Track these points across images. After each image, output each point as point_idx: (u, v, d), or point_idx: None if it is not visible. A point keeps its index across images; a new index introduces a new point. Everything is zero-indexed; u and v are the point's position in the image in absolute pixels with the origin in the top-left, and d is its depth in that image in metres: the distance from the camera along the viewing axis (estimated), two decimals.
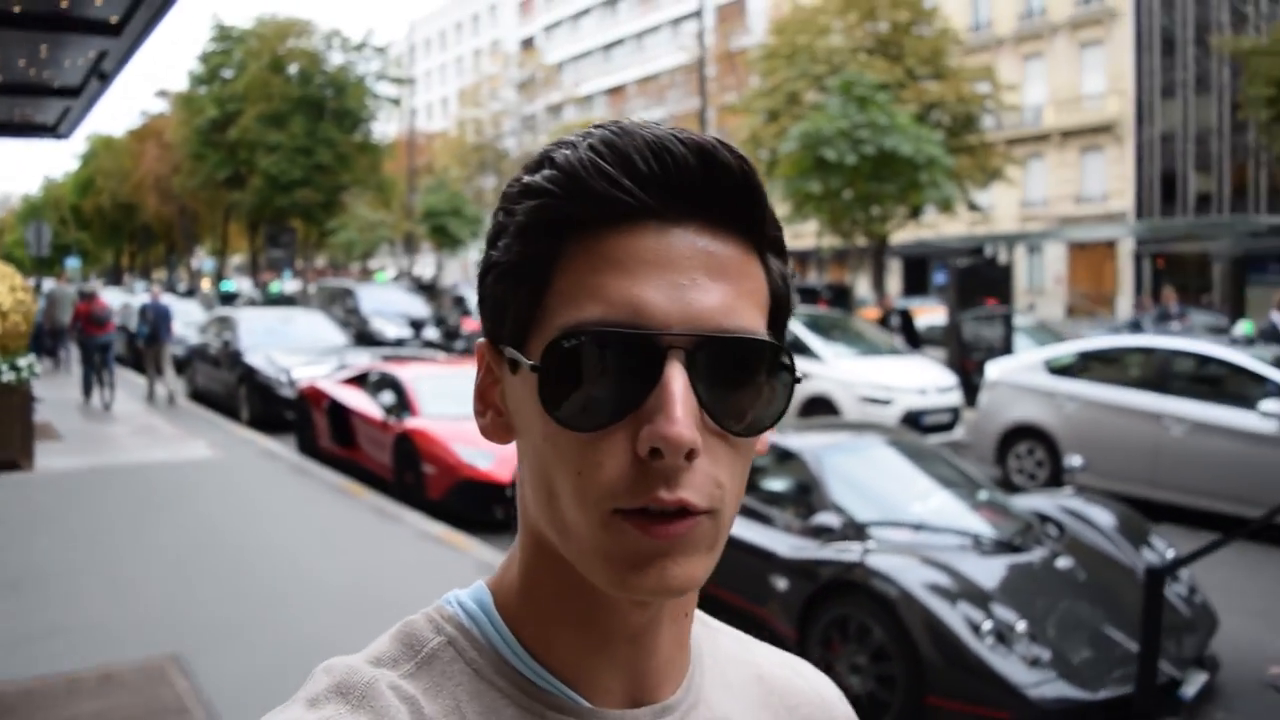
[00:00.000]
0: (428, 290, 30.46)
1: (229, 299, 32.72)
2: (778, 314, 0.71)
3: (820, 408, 11.95)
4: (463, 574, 6.88)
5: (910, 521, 5.39)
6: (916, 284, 41.60)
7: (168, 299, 20.15)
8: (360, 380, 11.20)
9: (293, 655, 5.32)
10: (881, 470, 6.09)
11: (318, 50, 41.71)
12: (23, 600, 6.19)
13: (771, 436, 0.74)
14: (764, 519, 5.63)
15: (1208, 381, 8.94)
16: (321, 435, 11.30)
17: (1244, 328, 11.85)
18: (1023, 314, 17.98)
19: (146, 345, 15.81)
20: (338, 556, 7.34)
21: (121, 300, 24.92)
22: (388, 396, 10.01)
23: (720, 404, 0.64)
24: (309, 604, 6.23)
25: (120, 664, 5.18)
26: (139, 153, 53.92)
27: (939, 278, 42.76)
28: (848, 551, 4.97)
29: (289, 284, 39.13)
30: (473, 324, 22.37)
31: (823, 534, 5.16)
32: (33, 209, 71.19)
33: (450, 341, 21.40)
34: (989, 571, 4.92)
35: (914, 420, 11.54)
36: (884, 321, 16.11)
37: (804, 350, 12.35)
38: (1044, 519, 5.84)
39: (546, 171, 0.66)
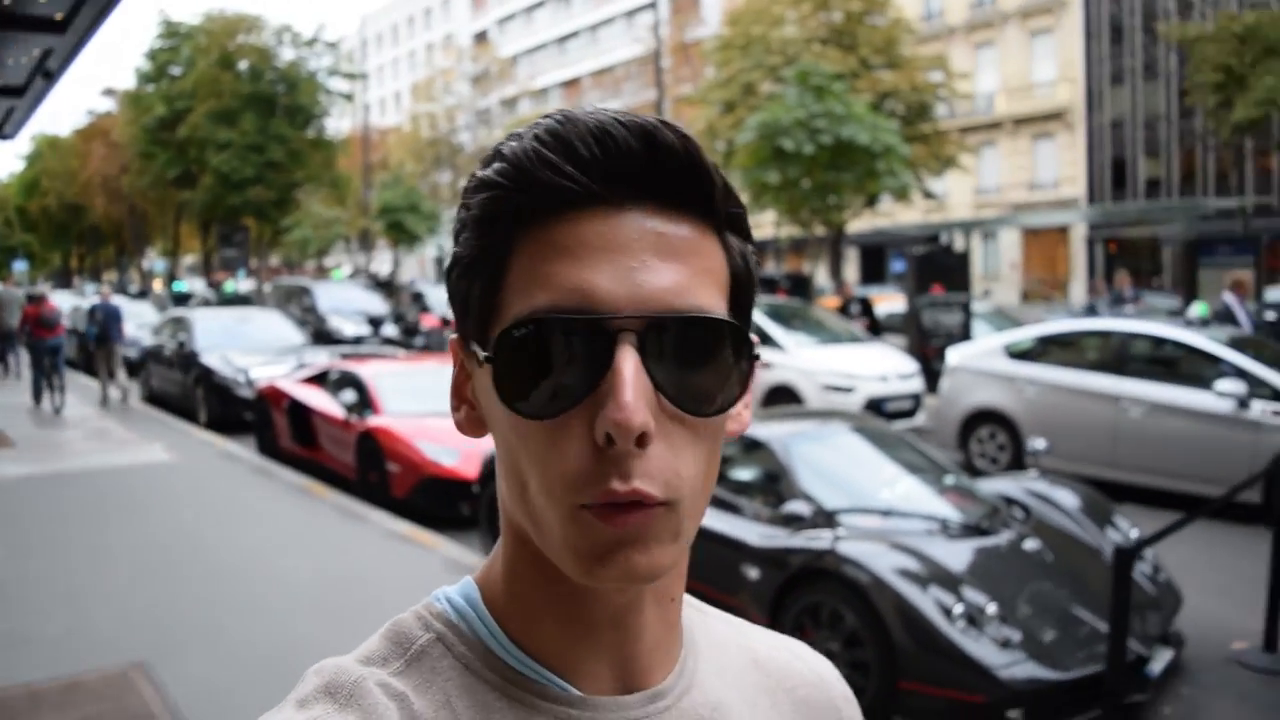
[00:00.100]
0: (385, 287, 30.22)
1: (182, 300, 32.21)
2: (739, 293, 0.71)
3: (783, 397, 11.99)
4: (431, 572, 6.84)
5: (879, 508, 5.41)
6: (873, 272, 41.93)
7: (119, 300, 19.87)
8: (320, 379, 11.08)
9: (261, 660, 5.25)
10: (848, 457, 6.11)
11: (268, 46, 41.09)
12: None
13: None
14: (733, 508, 5.63)
15: (1165, 363, 9.08)
16: (282, 435, 11.17)
17: (1199, 309, 12.04)
18: (979, 300, 18.15)
19: (96, 346, 15.58)
20: (304, 558, 7.25)
21: (72, 303, 24.50)
22: (349, 395, 9.90)
23: (677, 386, 0.64)
24: (276, 608, 6.15)
25: (84, 673, 5.08)
26: (86, 152, 52.96)
27: (896, 266, 43.08)
28: (818, 539, 4.98)
29: (243, 284, 38.61)
30: (432, 320, 22.21)
31: (793, 522, 5.17)
32: None
33: (409, 338, 21.23)
34: (958, 555, 4.96)
35: (876, 407, 11.61)
36: (844, 310, 16.19)
37: (765, 339, 12.38)
38: (1010, 502, 5.89)
39: (496, 164, 0.67)
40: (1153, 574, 5.40)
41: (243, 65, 40.65)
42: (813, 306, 16.32)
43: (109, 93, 55.23)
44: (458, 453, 8.55)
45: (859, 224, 31.44)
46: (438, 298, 25.18)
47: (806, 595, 4.91)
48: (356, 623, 5.87)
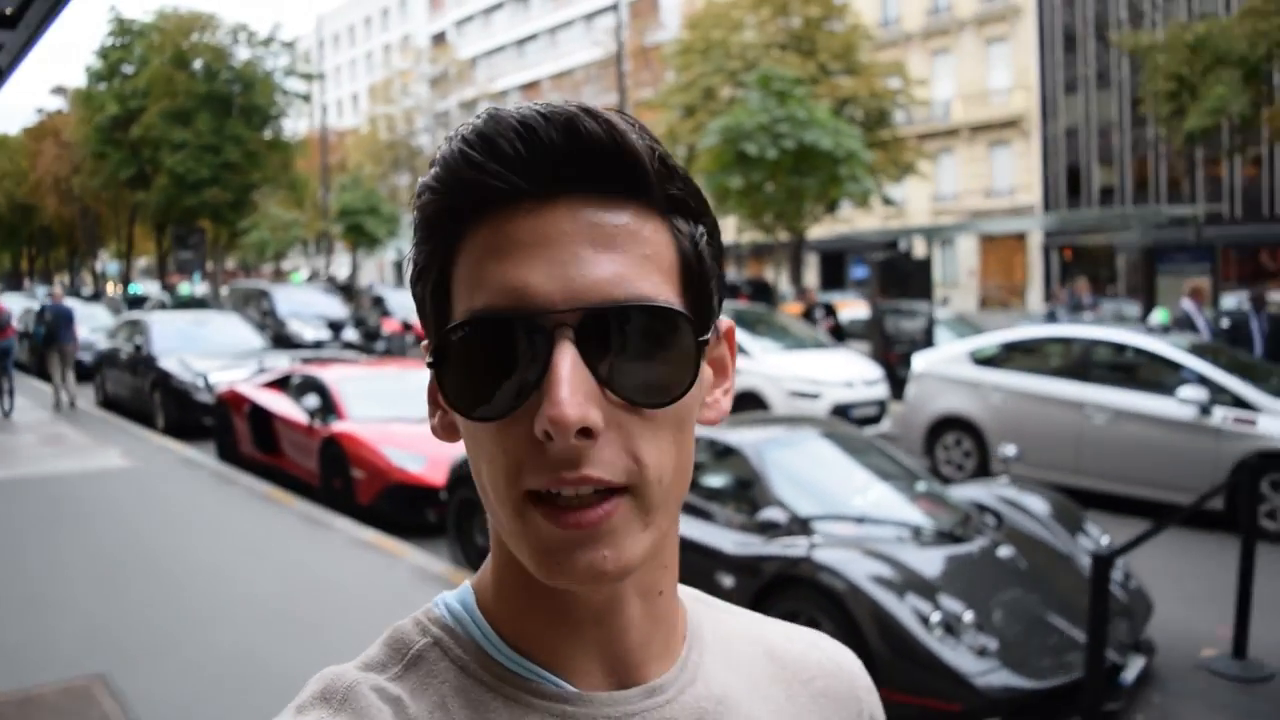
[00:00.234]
0: (344, 291, 29.93)
1: (137, 302, 31.68)
2: (691, 277, 0.69)
3: (748, 403, 11.99)
4: (397, 580, 6.75)
5: (853, 515, 5.40)
6: (833, 278, 42.22)
7: (71, 302, 19.49)
8: (282, 384, 10.92)
9: (225, 672, 5.15)
10: (820, 463, 6.10)
11: (223, 45, 40.53)
12: None
13: (707, 431, 0.73)
14: (705, 515, 5.60)
15: (1128, 370, 9.17)
16: (243, 441, 10.99)
17: (1160, 316, 12.20)
18: (938, 307, 18.30)
19: (45, 348, 15.30)
20: (267, 567, 7.12)
21: (23, 305, 24.03)
22: (312, 400, 9.75)
23: (622, 377, 0.63)
24: (239, 618, 6.02)
25: (42, 686, 4.96)
26: (36, 152, 51.89)
27: (856, 272, 43.43)
28: (794, 546, 4.96)
29: (198, 287, 38.07)
30: (393, 325, 22.03)
31: (768, 529, 5.15)
32: None
33: (370, 343, 21.05)
34: (933, 563, 4.96)
35: (842, 413, 11.63)
36: (808, 315, 16.25)
37: None
38: (981, 509, 5.91)
39: (432, 169, 0.67)
40: (1124, 581, 5.44)
41: (197, 64, 40.05)
42: (777, 312, 16.36)
43: (59, 91, 54.16)
44: (424, 459, 8.45)
45: (819, 230, 31.64)
46: (398, 302, 24.98)
47: (782, 603, 4.88)
48: (321, 633, 5.78)
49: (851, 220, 34.73)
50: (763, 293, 24.01)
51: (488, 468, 0.65)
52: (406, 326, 21.10)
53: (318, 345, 19.72)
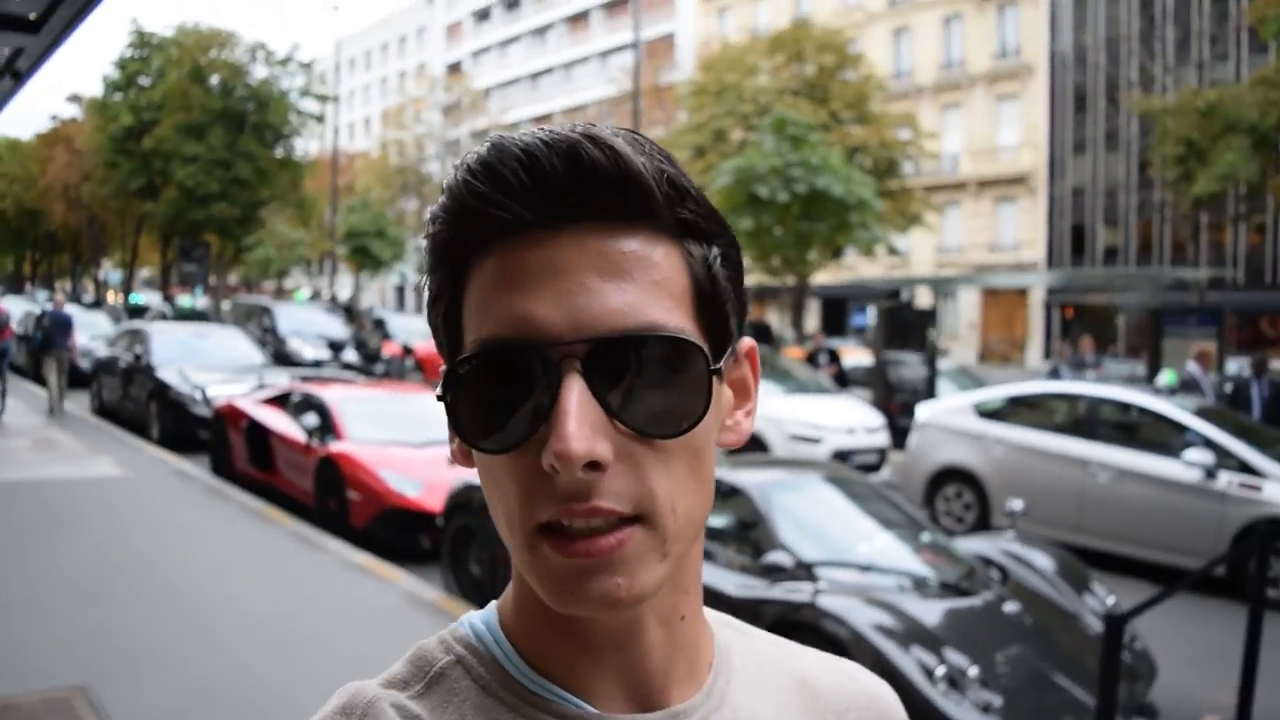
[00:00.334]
0: (345, 312, 29.91)
1: (138, 312, 31.63)
2: (704, 301, 0.67)
3: (749, 445, 11.91)
4: (389, 605, 6.65)
5: (858, 562, 5.33)
6: (834, 325, 42.20)
7: (71, 309, 19.46)
8: (281, 401, 10.84)
9: (211, 689, 5.05)
10: (825, 508, 6.03)
11: (241, 62, 40.79)
12: None
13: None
14: (706, 555, 5.51)
15: (1133, 430, 9.13)
16: (238, 456, 10.89)
17: (1167, 378, 12.18)
18: (940, 358, 18.29)
19: (42, 353, 15.37)
20: (257, 585, 7.02)
21: (24, 309, 24.00)
22: (311, 419, 9.68)
23: (631, 408, 0.62)
24: (227, 635, 5.92)
25: (23, 696, 4.86)
26: (47, 158, 52.04)
27: (857, 319, 43.50)
28: (797, 591, 4.89)
29: (199, 300, 38.04)
30: (393, 348, 21.98)
31: (773, 573, 5.07)
32: None
33: (370, 365, 20.98)
34: (938, 615, 4.88)
35: (842, 459, 11.56)
36: (811, 359, 16.21)
37: None
38: (986, 562, 5.83)
39: (440, 199, 0.67)
40: (1129, 643, 5.36)
41: (214, 80, 40.29)
42: (780, 355, 16.33)
43: (74, 99, 54.41)
44: (421, 484, 8.36)
45: (822, 276, 31.71)
46: (400, 325, 24.94)
47: None
48: (311, 654, 5.68)
49: (855, 268, 34.81)
50: (763, 336, 23.97)
51: (500, 499, 0.65)
52: (407, 350, 21.05)
53: (317, 364, 19.64)
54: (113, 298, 53.87)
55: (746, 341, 0.73)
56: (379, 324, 24.92)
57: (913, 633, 4.57)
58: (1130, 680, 5.09)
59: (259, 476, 10.48)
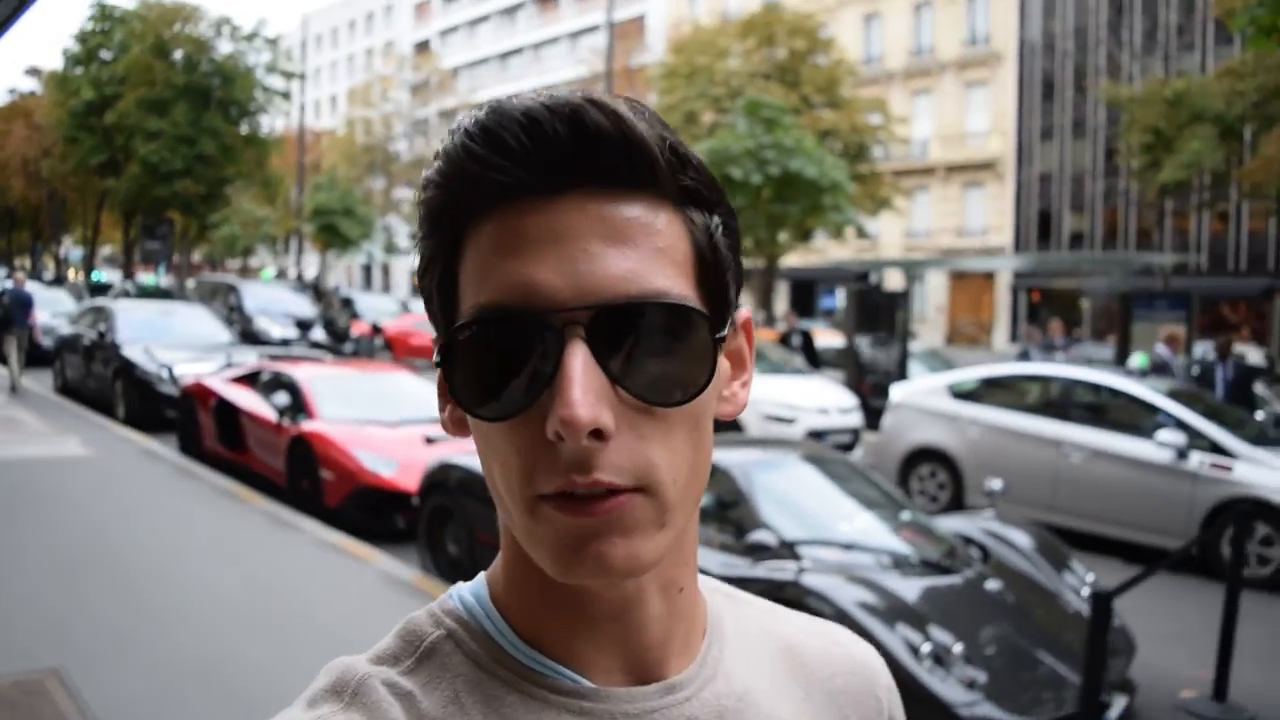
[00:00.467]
0: (312, 291, 29.61)
1: (100, 290, 31.10)
2: (705, 269, 0.66)
3: (722, 425, 11.92)
4: (365, 586, 6.59)
5: (840, 540, 5.32)
6: (803, 307, 42.33)
7: (32, 287, 19.14)
8: (250, 379, 10.69)
9: (184, 669, 4.98)
10: (805, 487, 6.02)
11: (205, 37, 40.07)
12: None
13: None
14: None
15: (1106, 411, 9.21)
16: (207, 436, 10.75)
17: (1139, 360, 12.32)
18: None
19: (2, 332, 15.25)
20: (230, 565, 6.92)
21: None
22: (282, 397, 9.55)
23: (635, 376, 0.61)
24: (200, 615, 5.84)
25: None
26: (5, 133, 50.92)
27: (826, 301, 43.67)
28: (781, 570, 4.88)
29: (162, 279, 37.48)
30: (362, 327, 21.80)
31: (756, 552, 5.05)
32: None
33: (339, 344, 20.78)
34: (922, 593, 4.89)
35: (816, 439, 11.60)
36: (784, 340, 16.24)
37: None
38: (966, 541, 5.85)
39: (435, 163, 0.66)
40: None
41: (177, 55, 39.52)
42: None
43: (33, 72, 53.44)
44: (396, 463, 8.29)
45: (791, 258, 31.77)
46: (368, 304, 24.71)
47: None
48: (285, 635, 5.61)
49: (824, 250, 34.92)
50: None
51: (500, 468, 0.64)
52: (376, 329, 20.88)
53: (285, 343, 19.41)
54: (74, 275, 53.03)
55: (743, 312, 0.72)
56: (347, 303, 24.71)
57: (897, 610, 4.58)
58: (1110, 656, 5.13)
59: (229, 456, 10.35)
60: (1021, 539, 5.92)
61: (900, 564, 5.21)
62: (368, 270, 66.00)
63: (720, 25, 33.34)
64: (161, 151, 37.14)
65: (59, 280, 41.32)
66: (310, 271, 49.00)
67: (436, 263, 0.67)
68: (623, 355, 0.61)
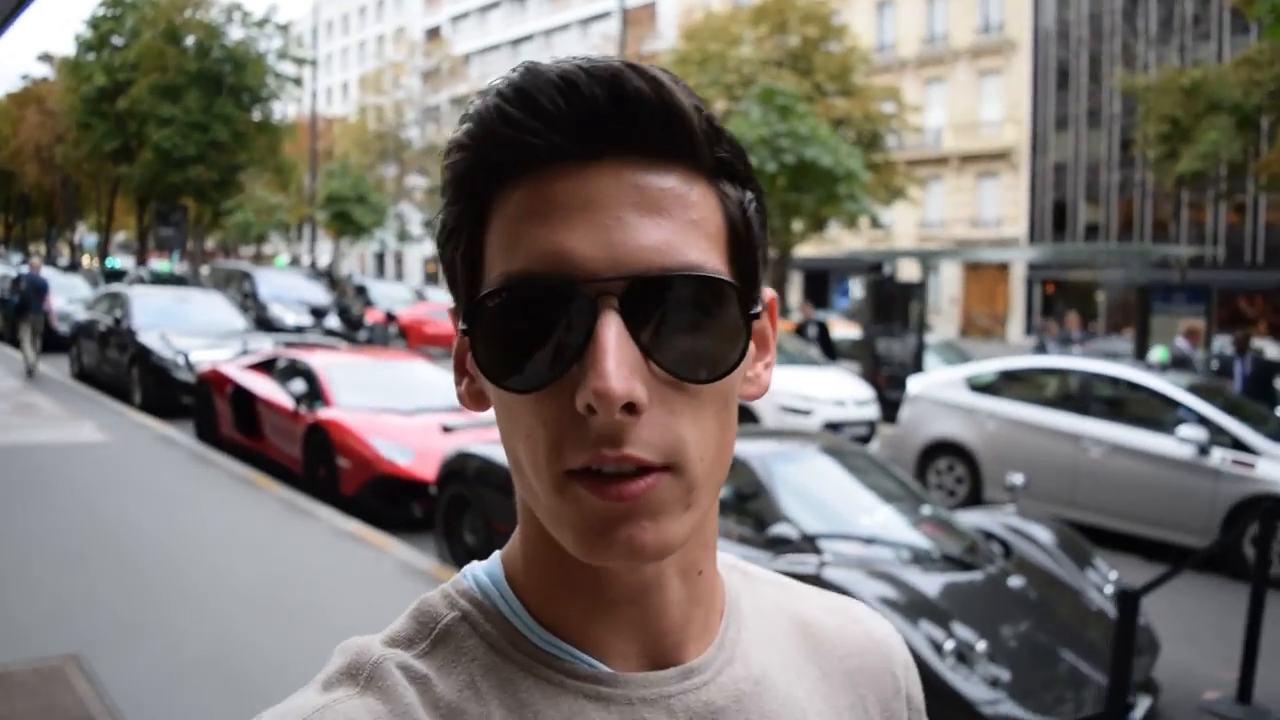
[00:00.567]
0: (326, 278, 29.64)
1: (115, 276, 31.17)
2: (738, 245, 0.65)
3: (738, 415, 11.88)
4: (382, 575, 6.58)
5: (861, 535, 5.29)
6: (817, 298, 42.21)
7: (48, 272, 19.20)
8: (267, 366, 10.69)
9: (201, 657, 4.99)
10: (825, 480, 5.98)
11: (216, 23, 40.14)
12: None
13: None
14: None
15: (1126, 405, 9.12)
16: (224, 423, 10.76)
17: (1159, 354, 12.24)
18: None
19: (17, 317, 15.27)
20: (247, 552, 6.92)
21: (0, 271, 23.68)
22: (299, 385, 9.55)
23: (668, 350, 0.60)
24: (218, 602, 5.84)
25: (14, 665, 4.76)
26: (19, 119, 51.17)
27: (840, 291, 43.52)
28: (802, 564, 4.84)
29: (177, 265, 37.56)
30: (376, 314, 21.81)
31: (777, 545, 5.02)
32: None
33: (353, 331, 20.79)
34: (945, 589, 4.85)
35: (833, 431, 11.55)
36: (800, 331, 16.18)
37: None
38: (988, 536, 5.81)
39: (464, 125, 0.64)
40: None
41: (189, 40, 39.63)
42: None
43: (46, 58, 53.52)
44: (412, 452, 8.28)
45: (805, 248, 31.65)
46: (382, 292, 24.69)
47: None
48: (301, 623, 5.61)
49: (838, 240, 34.81)
50: None
51: (525, 443, 0.62)
52: (390, 317, 20.88)
53: (299, 330, 19.46)
54: (88, 261, 53.17)
55: (769, 292, 0.71)
56: (361, 290, 24.69)
57: (920, 606, 4.54)
58: (1135, 656, 5.09)
59: (245, 443, 10.36)
60: (1044, 535, 5.87)
61: (921, 559, 5.17)
62: (380, 258, 66.04)
63: (732, 12, 33.19)
64: (174, 138, 37.23)
65: (74, 266, 41.44)
66: (323, 259, 49.07)
67: (461, 230, 0.65)
68: (654, 328, 0.60)
